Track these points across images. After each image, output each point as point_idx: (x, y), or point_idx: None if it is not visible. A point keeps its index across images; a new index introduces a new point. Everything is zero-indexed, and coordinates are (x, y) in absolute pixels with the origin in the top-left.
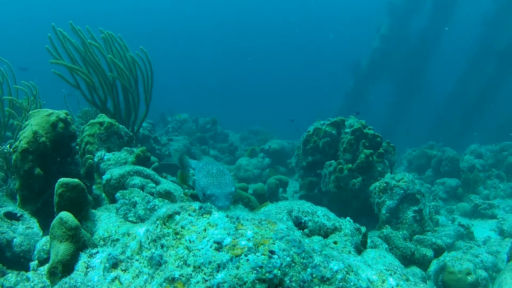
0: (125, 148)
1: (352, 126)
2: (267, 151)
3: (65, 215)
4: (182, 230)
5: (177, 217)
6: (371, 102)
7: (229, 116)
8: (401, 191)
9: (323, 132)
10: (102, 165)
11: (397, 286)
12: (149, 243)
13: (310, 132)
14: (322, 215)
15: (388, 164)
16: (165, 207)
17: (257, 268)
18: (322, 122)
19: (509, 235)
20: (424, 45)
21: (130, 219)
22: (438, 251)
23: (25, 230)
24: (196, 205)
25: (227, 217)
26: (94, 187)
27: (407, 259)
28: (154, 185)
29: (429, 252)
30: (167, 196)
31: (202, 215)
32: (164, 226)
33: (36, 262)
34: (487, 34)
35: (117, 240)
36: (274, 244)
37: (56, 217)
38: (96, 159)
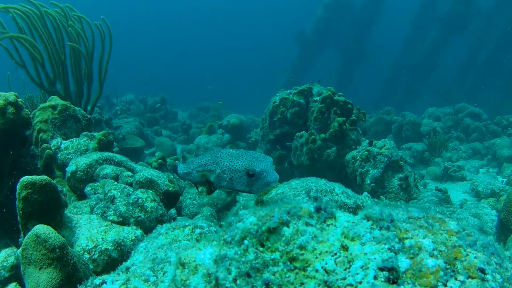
0: (84, 133)
1: (320, 94)
2: (226, 127)
3: (43, 230)
4: (303, 252)
5: (287, 231)
6: (318, 71)
7: (174, 94)
8: (385, 159)
9: (291, 101)
10: (59, 155)
11: None
12: (235, 280)
13: (276, 102)
14: (341, 192)
15: (361, 132)
16: (251, 213)
17: None
18: (288, 92)
19: (485, 196)
20: (367, 11)
21: (111, 218)
22: None
23: None
24: (307, 205)
25: (367, 218)
26: (54, 181)
27: None
28: (130, 173)
29: None
30: (150, 185)
31: (324, 221)
32: (263, 249)
33: None
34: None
35: (107, 251)
36: (469, 255)
37: (30, 234)
38: (52, 149)
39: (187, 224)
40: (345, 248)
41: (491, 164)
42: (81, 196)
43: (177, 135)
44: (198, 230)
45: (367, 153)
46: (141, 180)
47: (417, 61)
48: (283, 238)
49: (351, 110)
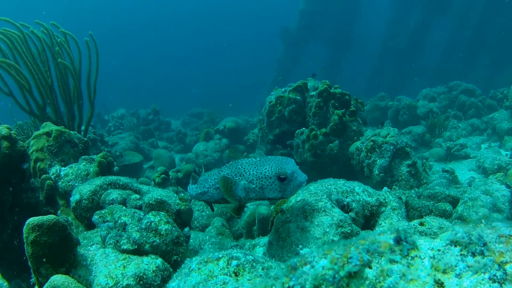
0: (83, 157)
1: (316, 88)
2: (223, 131)
3: (61, 281)
4: None
5: (370, 273)
6: (306, 66)
7: (164, 102)
8: (391, 147)
9: (287, 99)
10: (60, 183)
11: None
12: None
13: (272, 102)
14: (361, 191)
15: (362, 122)
16: (319, 254)
17: None
18: (283, 89)
19: (492, 172)
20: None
21: (125, 247)
22: (454, 203)
23: None
24: (386, 238)
25: (453, 244)
26: (58, 212)
27: None
28: (137, 196)
29: (448, 207)
30: (160, 206)
31: (408, 254)
32: None
33: None
34: None
35: (129, 286)
36: None
37: (47, 286)
38: (52, 178)
39: (220, 256)
40: (440, 284)
41: (492, 139)
42: (90, 225)
43: (173, 145)
44: (234, 262)
45: (372, 143)
46: (150, 202)
47: (403, 44)
48: (367, 282)
49: (349, 101)
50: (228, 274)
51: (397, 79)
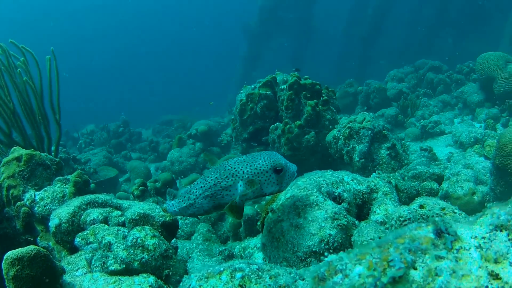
0: (57, 178)
1: (286, 81)
2: (196, 136)
3: None
4: None
5: (416, 275)
6: (272, 60)
7: (132, 112)
8: (369, 132)
9: (258, 95)
10: (36, 208)
11: None
12: None
13: (243, 100)
14: (350, 179)
15: (335, 110)
16: (351, 259)
17: None
18: (252, 86)
19: (469, 145)
20: None
21: (112, 268)
22: (438, 180)
23: None
24: (425, 232)
25: (498, 229)
26: (38, 238)
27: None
28: (119, 212)
29: (434, 185)
30: (144, 220)
31: (452, 247)
32: None
33: None
34: None
35: None
36: None
37: None
38: (27, 204)
39: (222, 269)
40: (495, 276)
41: (464, 112)
42: (73, 249)
43: (147, 155)
44: (239, 274)
45: (349, 130)
46: (134, 217)
47: (364, 28)
48: (415, 286)
49: (320, 91)
50: (233, 286)
51: (363, 64)
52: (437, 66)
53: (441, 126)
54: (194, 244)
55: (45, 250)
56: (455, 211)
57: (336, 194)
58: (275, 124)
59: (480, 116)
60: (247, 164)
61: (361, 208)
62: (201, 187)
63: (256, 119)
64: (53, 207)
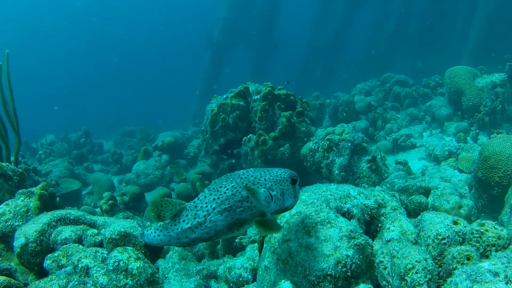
0: (20, 191)
1: (259, 92)
2: (162, 147)
3: None
4: None
5: None
6: (231, 73)
7: (91, 124)
8: (349, 144)
9: (230, 106)
10: None
11: None
12: None
13: (214, 110)
14: (357, 194)
15: (310, 122)
16: None
17: None
18: (224, 96)
19: (443, 158)
20: (270, 2)
21: None
22: (426, 194)
23: None
24: None
25: None
26: (14, 280)
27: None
28: (95, 230)
29: (423, 199)
30: (125, 240)
31: None
32: None
33: None
34: None
35: None
36: None
37: None
38: None
39: None
40: None
41: (432, 126)
42: (41, 273)
43: (109, 167)
44: None
45: (328, 142)
46: (113, 236)
47: (327, 41)
48: None
49: (294, 102)
50: None
51: (326, 76)
52: (403, 79)
53: (412, 139)
54: (170, 263)
55: (14, 281)
56: (496, 227)
57: (345, 209)
58: (248, 136)
59: (449, 129)
60: (264, 173)
61: (368, 225)
62: (214, 199)
63: (228, 131)
64: (16, 223)
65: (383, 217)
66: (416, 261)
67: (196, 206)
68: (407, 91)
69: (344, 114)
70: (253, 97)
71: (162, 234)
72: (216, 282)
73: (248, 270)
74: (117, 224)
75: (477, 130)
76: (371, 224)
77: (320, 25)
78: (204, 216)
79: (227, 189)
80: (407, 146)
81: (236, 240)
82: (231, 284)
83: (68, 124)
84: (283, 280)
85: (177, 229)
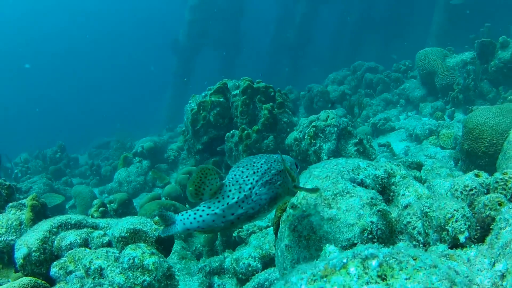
0: (10, 205)
1: (238, 87)
2: (142, 153)
3: None
4: None
5: None
6: (202, 74)
7: (63, 138)
8: (335, 129)
9: (210, 103)
10: None
11: None
12: None
13: (194, 109)
14: (366, 165)
15: (291, 112)
16: None
17: None
18: (203, 94)
19: (425, 137)
20: (233, 2)
21: None
22: (419, 168)
23: None
24: None
25: None
26: None
27: None
28: (100, 232)
29: (417, 173)
30: (136, 236)
31: None
32: None
33: None
34: None
35: None
36: None
37: None
38: None
39: (345, 261)
40: None
41: (408, 108)
42: (48, 282)
43: (88, 180)
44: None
45: (314, 129)
46: (122, 234)
47: (293, 37)
48: None
49: (273, 94)
50: (370, 280)
51: (295, 71)
52: (373, 66)
53: (391, 123)
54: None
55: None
56: None
57: (358, 180)
58: (231, 132)
59: (424, 110)
60: (268, 157)
61: (381, 194)
62: (254, 172)
63: (210, 128)
64: (10, 238)
65: (393, 186)
66: (454, 210)
67: (237, 181)
68: (379, 77)
69: (319, 104)
70: (232, 92)
71: (205, 214)
72: (219, 278)
73: (256, 258)
74: (125, 222)
75: (452, 108)
76: (383, 194)
77: (284, 21)
78: (250, 189)
79: (262, 164)
80: (387, 130)
81: (234, 234)
82: (240, 276)
83: (39, 140)
84: (327, 245)
85: (223, 205)
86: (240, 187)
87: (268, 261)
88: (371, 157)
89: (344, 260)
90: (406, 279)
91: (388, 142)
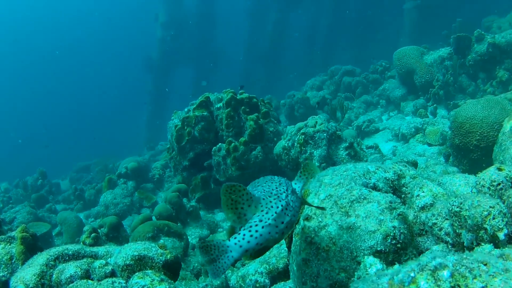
0: None
1: (221, 99)
2: (126, 174)
3: None
4: None
5: None
6: (180, 90)
7: (41, 164)
8: (324, 134)
9: (194, 118)
10: None
11: None
12: None
13: (178, 125)
14: (375, 169)
15: (276, 121)
16: None
17: None
18: (186, 109)
19: (411, 136)
20: (204, 17)
21: None
22: (415, 167)
23: None
24: None
25: None
26: None
27: None
28: (102, 261)
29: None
30: (142, 263)
31: None
32: None
33: None
34: None
35: None
36: None
37: None
38: None
39: (413, 275)
40: None
41: (389, 108)
42: None
43: (72, 205)
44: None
45: (303, 136)
46: (127, 262)
47: (266, 46)
48: None
49: (257, 104)
50: None
51: (271, 80)
52: (350, 70)
53: (375, 124)
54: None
55: None
56: None
57: (371, 185)
58: (217, 146)
59: (406, 109)
60: (272, 181)
61: None
62: (280, 183)
63: (196, 144)
64: (1, 274)
65: (404, 187)
66: (490, 207)
67: (271, 192)
68: (357, 80)
69: (300, 111)
70: (216, 106)
71: (260, 227)
72: None
73: (264, 274)
74: (128, 249)
75: (434, 105)
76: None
77: (256, 32)
78: (286, 196)
79: (275, 179)
80: (371, 131)
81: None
82: None
83: (16, 168)
84: (366, 257)
85: (272, 215)
86: (278, 197)
87: (276, 276)
88: (363, 160)
89: (412, 274)
90: (483, 287)
91: (376, 144)
